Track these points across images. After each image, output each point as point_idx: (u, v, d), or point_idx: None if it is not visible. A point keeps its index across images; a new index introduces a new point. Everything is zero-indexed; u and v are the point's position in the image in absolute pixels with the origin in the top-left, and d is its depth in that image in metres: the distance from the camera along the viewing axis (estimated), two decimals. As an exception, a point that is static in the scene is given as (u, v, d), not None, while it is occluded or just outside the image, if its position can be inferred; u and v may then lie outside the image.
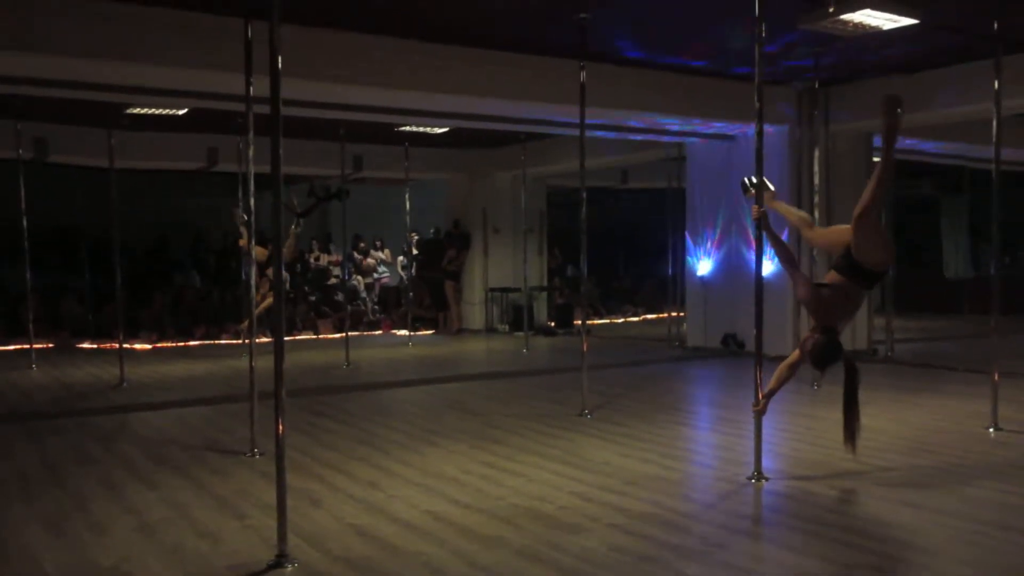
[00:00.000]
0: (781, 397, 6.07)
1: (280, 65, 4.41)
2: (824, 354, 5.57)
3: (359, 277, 18.41)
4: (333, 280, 18.13)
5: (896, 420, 7.75)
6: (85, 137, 12.93)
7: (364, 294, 18.35)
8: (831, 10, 7.48)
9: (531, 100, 10.04)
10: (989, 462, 6.22)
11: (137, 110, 11.26)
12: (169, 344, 14.76)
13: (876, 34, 8.21)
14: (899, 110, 5.22)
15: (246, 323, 11.67)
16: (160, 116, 11.89)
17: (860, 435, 5.61)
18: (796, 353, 5.82)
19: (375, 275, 19.00)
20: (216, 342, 15.01)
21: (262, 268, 11.97)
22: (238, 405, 8.19)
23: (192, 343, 14.96)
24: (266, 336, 12.34)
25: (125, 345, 10.64)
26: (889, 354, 12.16)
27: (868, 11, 7.49)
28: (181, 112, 11.64)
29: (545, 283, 17.90)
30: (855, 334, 12.24)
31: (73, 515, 5.15)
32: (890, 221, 12.90)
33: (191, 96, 9.47)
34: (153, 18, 7.74)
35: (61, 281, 16.25)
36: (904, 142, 13.11)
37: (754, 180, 6.07)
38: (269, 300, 11.84)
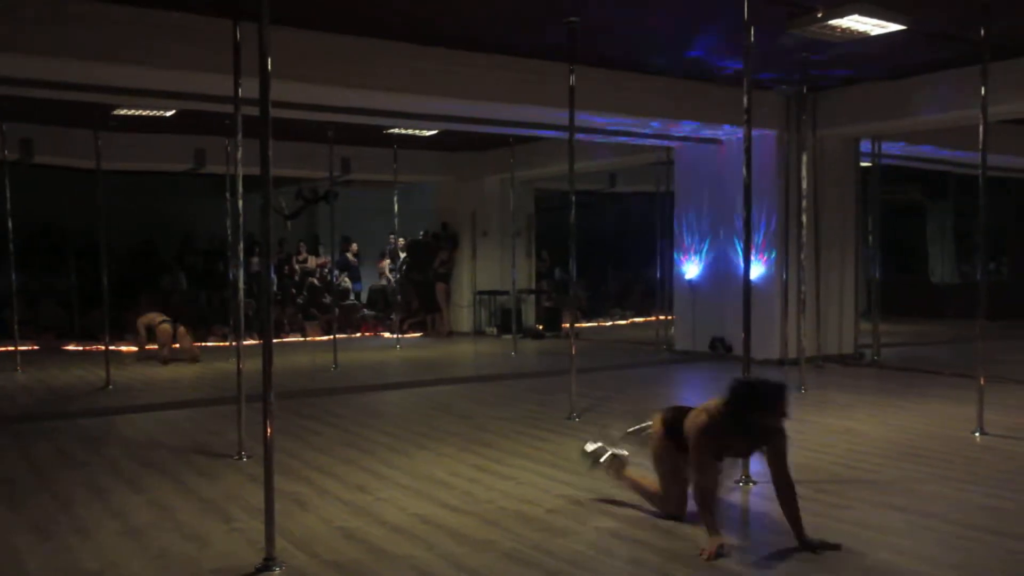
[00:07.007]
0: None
1: (270, 67, 4.40)
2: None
3: (345, 278, 18.29)
4: (314, 282, 18.02)
5: (882, 424, 7.79)
6: (71, 138, 12.88)
7: (353, 297, 18.28)
8: (819, 15, 7.54)
9: (520, 103, 10.05)
10: (975, 466, 6.24)
11: (124, 111, 11.21)
12: (155, 346, 14.63)
13: (864, 40, 8.28)
14: None
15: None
16: (147, 117, 11.85)
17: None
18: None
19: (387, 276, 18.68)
20: (203, 344, 14.93)
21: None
22: (225, 407, 8.16)
23: (178, 345, 14.84)
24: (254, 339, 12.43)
25: (111, 347, 10.57)
26: (875, 358, 12.20)
27: (856, 16, 7.55)
28: (168, 114, 11.61)
29: (533, 286, 17.91)
30: (842, 338, 12.31)
31: (59, 518, 5.12)
32: (877, 226, 13.01)
33: (179, 97, 9.44)
34: (141, 19, 7.72)
35: (45, 283, 16.14)
36: (892, 147, 13.20)
37: (591, 450, 5.39)
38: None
